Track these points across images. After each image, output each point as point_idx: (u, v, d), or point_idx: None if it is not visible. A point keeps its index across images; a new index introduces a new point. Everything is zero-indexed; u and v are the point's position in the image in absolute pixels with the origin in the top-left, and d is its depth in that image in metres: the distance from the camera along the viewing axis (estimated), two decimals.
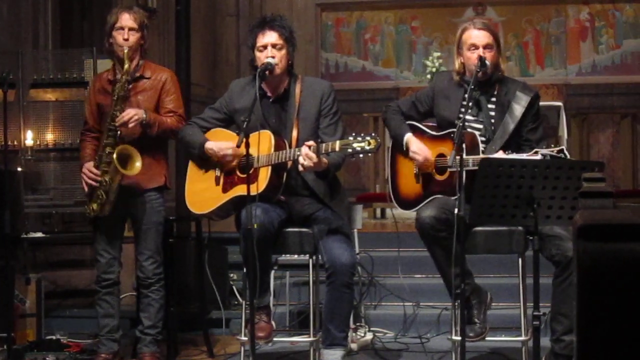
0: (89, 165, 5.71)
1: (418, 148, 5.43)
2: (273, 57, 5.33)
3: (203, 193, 5.53)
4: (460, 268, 4.84)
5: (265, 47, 5.37)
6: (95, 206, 5.68)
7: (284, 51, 5.39)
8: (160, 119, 5.70)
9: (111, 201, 5.64)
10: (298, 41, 5.64)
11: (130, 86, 5.75)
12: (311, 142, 5.07)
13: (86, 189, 5.74)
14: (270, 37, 5.37)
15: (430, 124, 5.58)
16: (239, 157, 5.37)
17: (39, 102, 7.51)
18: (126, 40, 5.71)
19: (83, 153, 5.87)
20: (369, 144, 4.88)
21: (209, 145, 5.49)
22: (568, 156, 4.89)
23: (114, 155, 5.54)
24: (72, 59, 7.49)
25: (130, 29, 5.73)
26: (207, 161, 5.54)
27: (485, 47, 5.33)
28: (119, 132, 5.60)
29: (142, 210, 5.80)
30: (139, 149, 5.62)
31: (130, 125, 5.57)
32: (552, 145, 5.03)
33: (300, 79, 5.53)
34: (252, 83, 5.37)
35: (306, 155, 5.04)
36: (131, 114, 5.58)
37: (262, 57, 5.34)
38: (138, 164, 5.56)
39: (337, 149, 4.99)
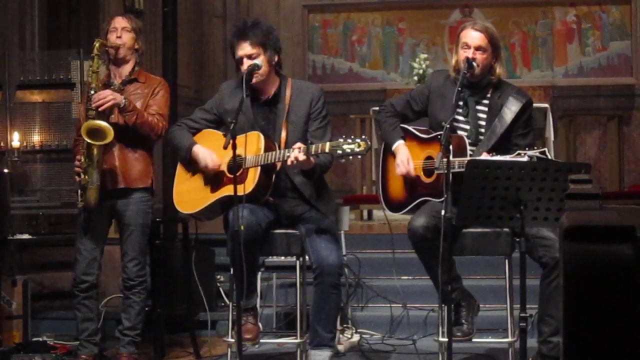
0: (77, 156, 5.71)
1: (401, 160, 5.43)
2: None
3: (191, 193, 5.52)
4: (447, 268, 4.86)
5: (242, 59, 5.36)
6: (81, 194, 5.64)
7: (261, 57, 5.36)
8: (140, 111, 5.70)
9: (95, 185, 5.57)
10: (285, 43, 5.63)
11: (124, 88, 5.78)
12: (300, 144, 5.07)
13: (77, 179, 5.72)
14: (242, 49, 5.36)
15: (422, 127, 5.57)
16: (217, 172, 5.39)
17: (25, 103, 7.49)
18: (119, 37, 5.75)
19: (77, 153, 5.83)
20: (359, 146, 4.88)
21: (197, 149, 5.49)
22: (550, 157, 4.90)
23: (82, 130, 5.54)
24: (59, 60, 7.47)
25: (123, 29, 5.78)
26: (195, 161, 5.54)
27: (477, 48, 5.31)
28: (95, 112, 5.60)
29: (130, 210, 5.78)
30: (126, 144, 5.66)
31: (100, 102, 5.57)
32: (535, 147, 5.04)
33: (290, 82, 5.53)
34: (242, 85, 5.36)
35: (296, 158, 5.04)
36: (105, 93, 5.61)
37: (243, 69, 5.33)
38: (109, 135, 5.52)
39: (327, 150, 5.00)
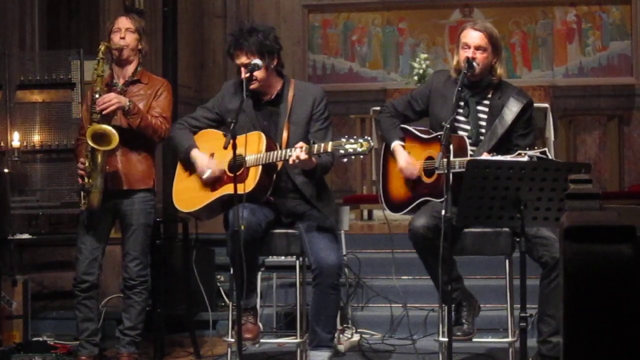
0: (81, 159, 5.70)
1: (405, 162, 5.43)
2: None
3: (190, 191, 5.51)
4: (448, 268, 4.86)
5: (240, 67, 5.36)
6: (84, 197, 5.63)
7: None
8: (144, 114, 5.69)
9: (99, 188, 5.57)
10: (285, 43, 5.61)
11: (127, 89, 5.78)
12: (302, 143, 5.07)
13: (80, 181, 5.71)
14: (239, 59, 5.36)
15: (422, 128, 5.57)
16: (214, 179, 5.38)
17: (25, 103, 7.49)
18: (122, 38, 5.75)
19: (79, 154, 5.83)
20: (362, 145, 4.89)
21: (194, 154, 5.49)
22: (550, 157, 4.91)
23: (87, 134, 5.53)
24: (59, 60, 7.47)
25: (127, 29, 5.77)
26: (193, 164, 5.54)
27: (477, 48, 5.31)
28: (99, 115, 5.59)
29: (132, 210, 5.78)
30: (129, 146, 5.67)
31: (104, 105, 5.56)
32: (536, 147, 5.04)
33: (293, 82, 5.52)
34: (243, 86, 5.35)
35: (297, 157, 5.04)
36: (110, 97, 5.60)
37: (242, 76, 5.32)
38: (114, 140, 5.52)
39: (329, 150, 5.00)
